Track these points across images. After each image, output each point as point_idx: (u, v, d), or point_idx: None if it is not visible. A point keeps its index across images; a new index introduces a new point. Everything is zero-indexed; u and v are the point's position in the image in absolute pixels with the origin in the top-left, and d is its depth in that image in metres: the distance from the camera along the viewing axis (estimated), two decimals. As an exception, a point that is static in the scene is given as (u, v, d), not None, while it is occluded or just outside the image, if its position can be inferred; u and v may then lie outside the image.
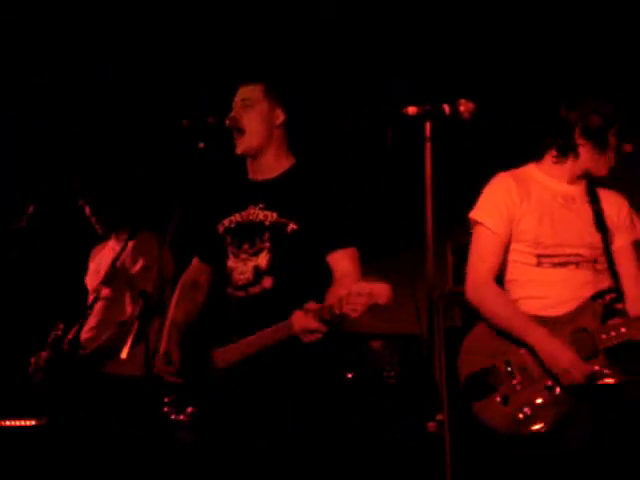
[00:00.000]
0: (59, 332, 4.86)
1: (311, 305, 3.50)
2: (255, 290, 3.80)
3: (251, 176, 4.00)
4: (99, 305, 4.99)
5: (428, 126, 3.38)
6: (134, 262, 4.98)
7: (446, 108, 3.38)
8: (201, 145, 3.91)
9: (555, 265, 3.82)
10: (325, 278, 3.74)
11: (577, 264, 3.84)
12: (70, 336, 4.86)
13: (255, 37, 5.79)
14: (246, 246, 3.87)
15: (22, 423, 4.99)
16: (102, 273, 5.05)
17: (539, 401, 3.70)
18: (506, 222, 3.83)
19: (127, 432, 4.65)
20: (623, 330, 3.68)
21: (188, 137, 3.91)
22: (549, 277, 3.82)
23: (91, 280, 5.17)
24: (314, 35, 5.76)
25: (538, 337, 3.72)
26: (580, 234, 3.85)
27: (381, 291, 3.32)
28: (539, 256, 3.83)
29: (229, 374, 3.79)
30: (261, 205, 3.88)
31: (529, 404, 3.72)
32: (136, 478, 4.58)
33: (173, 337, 3.94)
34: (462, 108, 3.38)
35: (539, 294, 3.83)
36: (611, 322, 3.72)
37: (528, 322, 3.75)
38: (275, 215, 3.84)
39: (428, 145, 3.37)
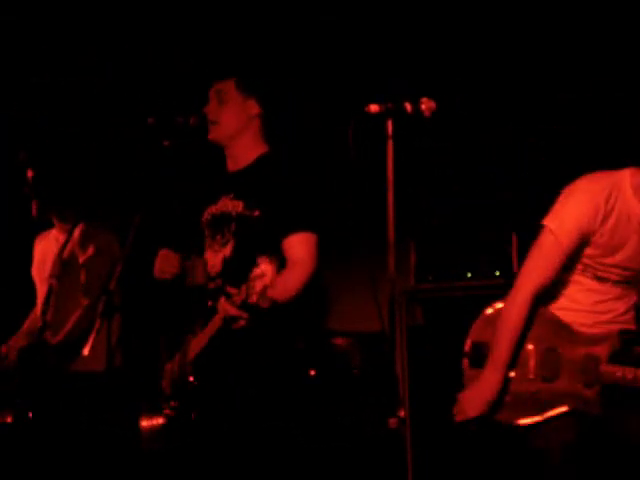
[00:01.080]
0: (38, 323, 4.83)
1: (232, 291, 3.54)
2: (224, 281, 3.83)
3: (228, 167, 4.06)
4: (53, 299, 4.94)
5: (390, 124, 3.40)
6: (84, 250, 4.93)
7: (408, 106, 3.39)
8: (166, 143, 3.94)
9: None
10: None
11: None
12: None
13: (232, 32, 5.79)
14: (218, 237, 3.93)
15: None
16: (48, 264, 5.00)
17: (521, 394, 3.68)
18: (579, 242, 3.58)
19: (94, 430, 4.62)
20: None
21: (154, 135, 3.93)
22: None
23: (38, 271, 5.12)
24: (287, 31, 5.76)
25: (493, 374, 3.66)
26: None
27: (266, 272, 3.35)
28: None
29: (196, 368, 3.83)
30: (231, 195, 3.93)
31: (512, 393, 3.69)
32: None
33: None
34: (424, 106, 3.40)
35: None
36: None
37: (507, 358, 3.66)
38: (241, 204, 3.89)
39: (390, 143, 3.39)
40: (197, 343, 3.86)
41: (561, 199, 3.63)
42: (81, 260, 4.88)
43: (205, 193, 4.10)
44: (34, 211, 5.01)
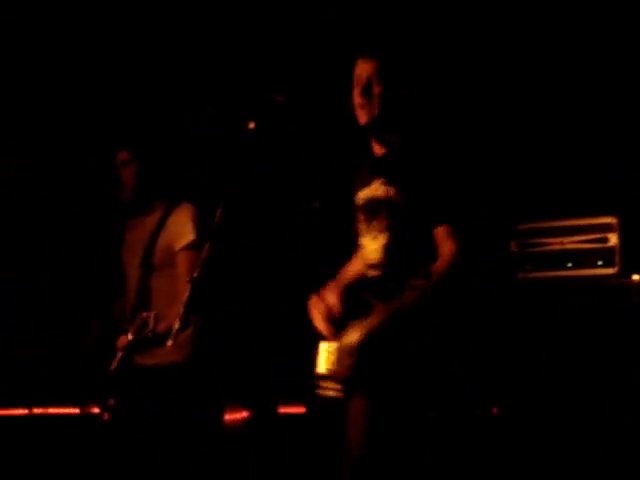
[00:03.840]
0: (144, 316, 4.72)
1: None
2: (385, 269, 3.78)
3: (374, 150, 3.94)
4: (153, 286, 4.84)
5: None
6: (178, 237, 4.82)
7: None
8: (252, 125, 3.86)
9: None
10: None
11: None
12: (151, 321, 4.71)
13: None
14: (374, 223, 3.84)
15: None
16: (140, 250, 4.89)
17: None
18: None
19: (177, 421, 4.54)
20: None
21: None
22: None
23: (127, 255, 5.00)
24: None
25: None
26: None
27: None
28: None
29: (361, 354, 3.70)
30: (382, 180, 3.82)
31: None
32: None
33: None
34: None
35: None
36: None
37: None
38: (393, 190, 3.79)
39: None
40: (363, 329, 3.70)
41: None
42: (177, 248, 4.77)
43: (355, 177, 4.01)
44: (125, 195, 4.90)
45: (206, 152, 5.90)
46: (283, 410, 5.41)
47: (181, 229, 4.74)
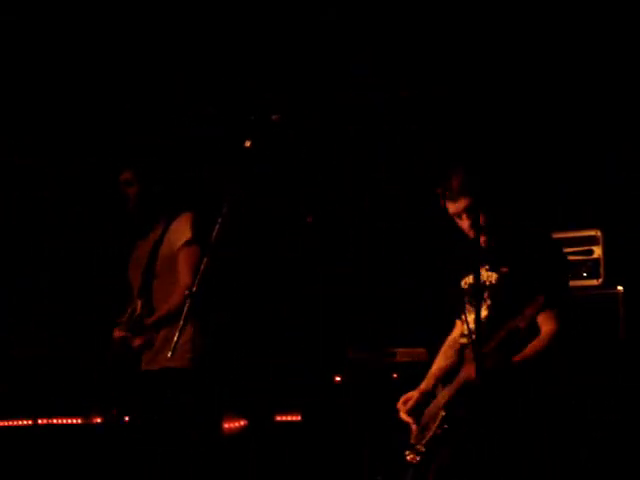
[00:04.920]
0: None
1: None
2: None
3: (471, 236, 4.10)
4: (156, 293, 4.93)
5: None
6: (177, 240, 4.93)
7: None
8: (247, 144, 3.94)
9: None
10: None
11: None
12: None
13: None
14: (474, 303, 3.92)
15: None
16: (143, 261, 5.00)
17: None
18: None
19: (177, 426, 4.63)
20: None
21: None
22: None
23: (133, 271, 5.10)
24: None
25: None
26: None
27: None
28: None
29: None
30: (486, 267, 4.00)
31: None
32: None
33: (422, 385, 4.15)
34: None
35: None
36: None
37: None
38: (496, 276, 3.97)
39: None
40: (448, 390, 3.98)
41: None
42: (176, 249, 4.86)
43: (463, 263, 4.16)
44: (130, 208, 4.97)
45: (206, 152, 5.94)
46: (280, 418, 5.53)
47: (179, 232, 4.81)
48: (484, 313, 3.96)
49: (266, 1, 5.81)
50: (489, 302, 3.99)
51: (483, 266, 4.03)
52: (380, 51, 5.72)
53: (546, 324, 3.87)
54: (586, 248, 4.68)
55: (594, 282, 4.68)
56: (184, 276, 4.72)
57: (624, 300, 4.61)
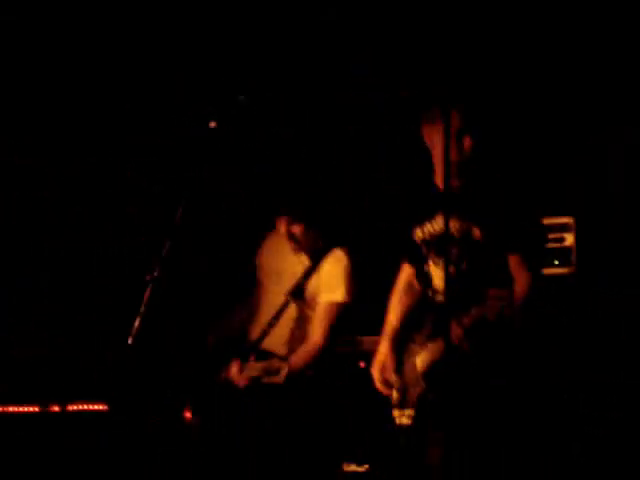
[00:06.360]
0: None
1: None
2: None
3: (437, 184, 4.11)
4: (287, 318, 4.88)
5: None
6: (326, 292, 4.86)
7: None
8: (212, 124, 3.93)
9: None
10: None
11: None
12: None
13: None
14: (442, 255, 3.97)
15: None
16: (287, 280, 4.93)
17: None
18: None
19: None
20: None
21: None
22: None
23: (268, 276, 5.08)
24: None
25: None
26: None
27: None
28: None
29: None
30: (452, 215, 3.92)
31: None
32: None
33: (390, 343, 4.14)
34: None
35: None
36: None
37: None
38: (462, 224, 3.97)
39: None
40: (426, 356, 3.93)
41: None
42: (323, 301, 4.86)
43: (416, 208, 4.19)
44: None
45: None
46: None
47: (333, 286, 4.84)
48: (452, 268, 3.86)
49: (266, 1, 5.80)
50: (457, 255, 3.94)
51: (451, 215, 3.86)
52: (380, 51, 5.71)
53: (520, 282, 3.85)
54: (558, 236, 4.64)
55: (566, 270, 4.63)
56: (317, 335, 4.73)
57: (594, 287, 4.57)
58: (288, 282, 4.85)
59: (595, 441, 4.47)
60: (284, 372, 4.47)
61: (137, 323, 3.89)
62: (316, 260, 4.84)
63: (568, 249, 4.62)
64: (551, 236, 4.64)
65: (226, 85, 5.86)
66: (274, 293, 4.89)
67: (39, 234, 6.01)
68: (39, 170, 6.09)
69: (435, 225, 4.06)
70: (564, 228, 4.64)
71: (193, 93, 5.95)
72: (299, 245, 4.85)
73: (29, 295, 5.91)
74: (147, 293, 3.92)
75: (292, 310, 4.83)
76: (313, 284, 4.83)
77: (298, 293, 4.80)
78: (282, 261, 4.98)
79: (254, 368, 4.58)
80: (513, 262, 3.89)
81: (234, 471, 4.63)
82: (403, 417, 3.92)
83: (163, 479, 4.68)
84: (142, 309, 3.88)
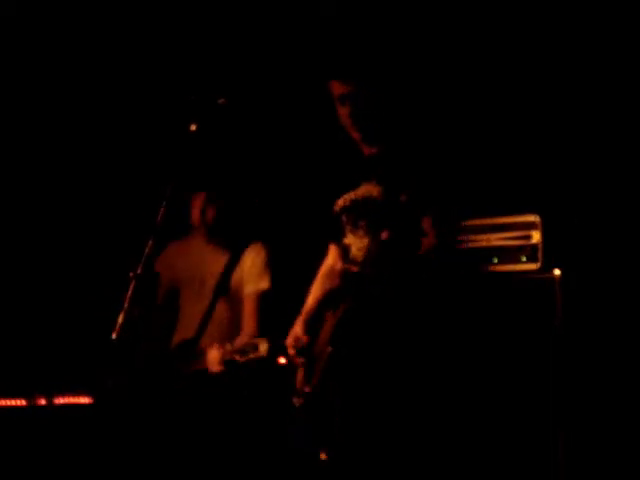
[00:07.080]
0: None
1: None
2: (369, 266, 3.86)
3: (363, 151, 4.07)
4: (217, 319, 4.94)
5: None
6: (251, 283, 4.95)
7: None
8: (193, 127, 4.00)
9: None
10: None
11: None
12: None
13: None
14: (362, 223, 3.96)
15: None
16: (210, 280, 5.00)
17: None
18: None
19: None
20: None
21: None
22: None
23: (185, 284, 5.10)
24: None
25: None
26: None
27: None
28: None
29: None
30: (373, 181, 3.96)
31: None
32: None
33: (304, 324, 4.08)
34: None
35: None
36: None
37: None
38: (383, 189, 3.92)
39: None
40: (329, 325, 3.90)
41: None
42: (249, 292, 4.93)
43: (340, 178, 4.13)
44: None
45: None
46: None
47: (256, 275, 4.92)
48: (372, 235, 3.85)
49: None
50: (379, 220, 3.85)
51: (368, 180, 3.94)
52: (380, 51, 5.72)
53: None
54: (525, 233, 4.69)
55: (533, 266, 4.69)
56: (251, 327, 4.82)
57: (561, 285, 4.61)
58: (212, 283, 4.96)
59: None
60: (263, 346, 4.44)
61: (121, 319, 3.97)
62: (236, 255, 4.92)
63: (535, 246, 4.68)
64: (518, 234, 4.72)
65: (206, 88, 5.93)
66: (200, 295, 4.97)
67: (22, 230, 6.05)
68: (39, 170, 6.13)
69: (358, 192, 4.00)
70: (530, 226, 4.67)
71: (174, 95, 5.99)
72: (210, 231, 4.97)
73: (14, 291, 5.94)
74: (130, 290, 4.00)
75: (221, 307, 4.90)
76: (236, 278, 4.91)
77: (223, 289, 4.89)
78: (202, 265, 5.03)
79: (227, 351, 4.56)
80: (426, 224, 3.81)
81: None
82: (297, 397, 3.90)
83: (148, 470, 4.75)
84: (126, 305, 3.96)
